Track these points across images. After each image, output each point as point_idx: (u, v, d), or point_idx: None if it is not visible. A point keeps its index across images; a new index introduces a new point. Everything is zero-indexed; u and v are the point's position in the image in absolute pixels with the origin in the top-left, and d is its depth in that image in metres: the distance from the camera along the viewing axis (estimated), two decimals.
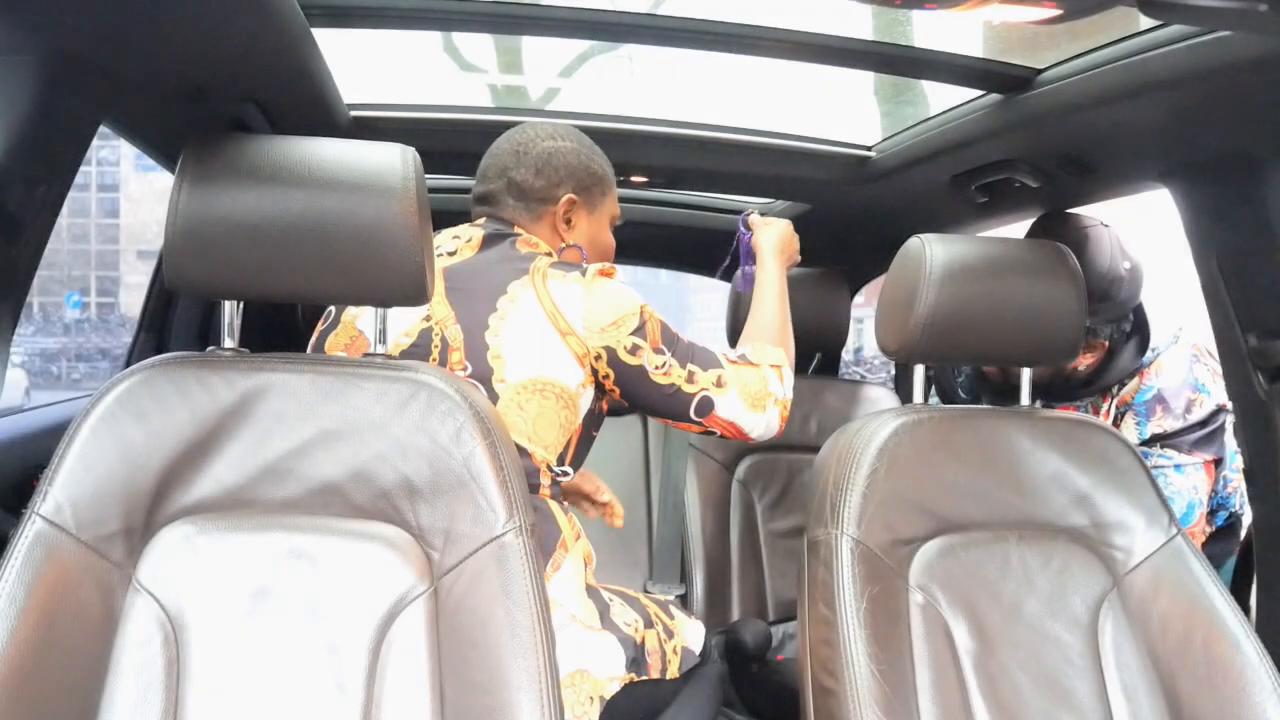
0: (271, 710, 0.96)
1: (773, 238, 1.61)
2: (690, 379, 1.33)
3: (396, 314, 1.29)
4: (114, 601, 0.96)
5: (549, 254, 1.36)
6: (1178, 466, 1.63)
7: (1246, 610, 1.53)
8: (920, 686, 1.11)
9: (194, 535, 0.99)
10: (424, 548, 1.02)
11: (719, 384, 1.35)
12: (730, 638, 1.91)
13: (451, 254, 1.35)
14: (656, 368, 1.31)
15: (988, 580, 1.19)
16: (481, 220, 1.41)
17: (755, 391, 1.37)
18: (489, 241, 1.36)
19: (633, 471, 2.50)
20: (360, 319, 1.36)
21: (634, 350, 1.30)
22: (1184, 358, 1.70)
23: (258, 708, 0.96)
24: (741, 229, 1.65)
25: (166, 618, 0.97)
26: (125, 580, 0.97)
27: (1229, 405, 1.57)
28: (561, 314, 1.27)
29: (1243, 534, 1.84)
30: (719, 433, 1.38)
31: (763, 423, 1.38)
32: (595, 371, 1.30)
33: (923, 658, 1.13)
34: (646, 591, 1.88)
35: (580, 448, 1.36)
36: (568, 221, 1.43)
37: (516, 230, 1.39)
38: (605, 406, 1.39)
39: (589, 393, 1.31)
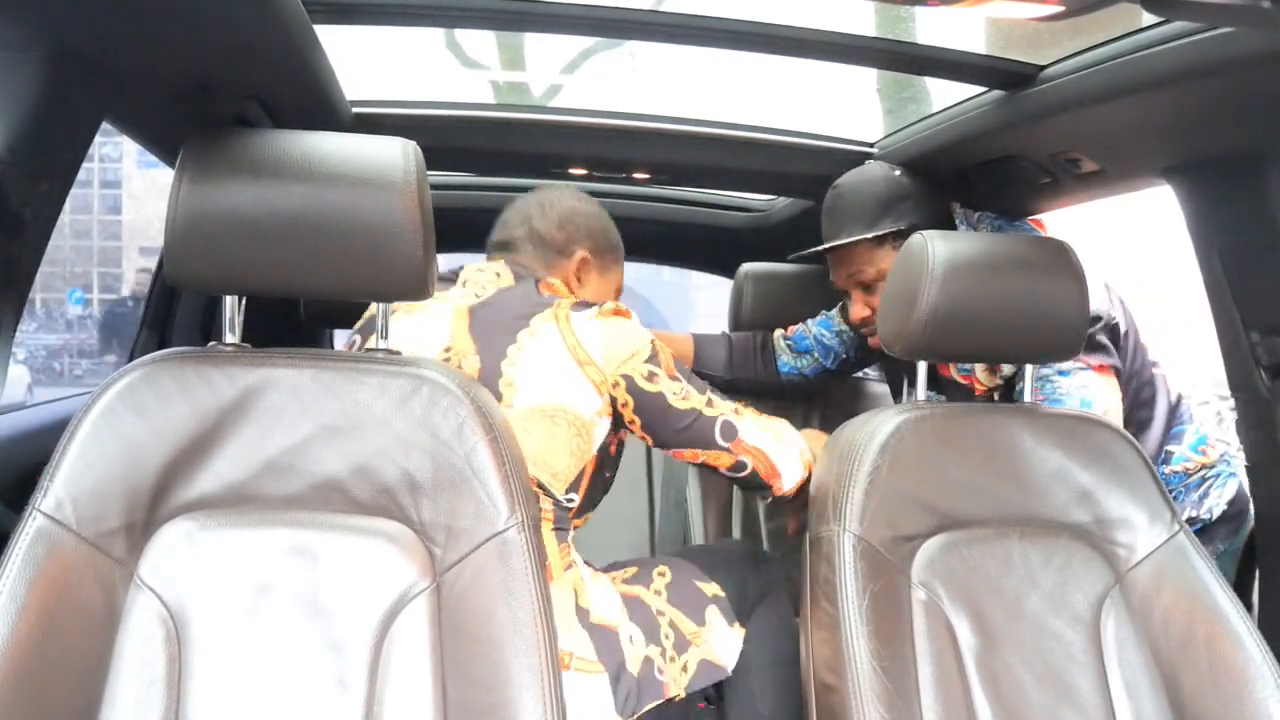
0: (274, 706, 0.96)
1: None
2: (710, 404, 1.36)
3: (419, 347, 1.29)
4: (115, 598, 0.96)
5: (570, 297, 1.39)
6: (1061, 371, 1.60)
7: (1249, 607, 1.53)
8: (923, 683, 1.11)
9: (195, 531, 0.99)
10: (426, 544, 1.02)
11: (738, 412, 1.38)
12: None
13: (478, 295, 1.36)
14: (674, 394, 1.33)
15: (990, 577, 1.19)
16: (501, 262, 1.43)
17: (776, 430, 1.41)
18: (517, 282, 1.39)
19: (635, 469, 2.50)
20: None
21: (651, 377, 1.32)
22: None
23: (260, 704, 0.96)
24: None
25: (168, 614, 0.97)
26: (127, 577, 0.97)
27: (1110, 317, 1.55)
28: (582, 345, 1.29)
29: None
30: (750, 466, 1.38)
31: (792, 463, 1.40)
32: (614, 400, 1.31)
33: (925, 654, 1.13)
34: None
35: (592, 486, 1.35)
36: (579, 279, 1.48)
37: (538, 275, 1.42)
38: (617, 446, 1.39)
39: (604, 423, 1.32)
